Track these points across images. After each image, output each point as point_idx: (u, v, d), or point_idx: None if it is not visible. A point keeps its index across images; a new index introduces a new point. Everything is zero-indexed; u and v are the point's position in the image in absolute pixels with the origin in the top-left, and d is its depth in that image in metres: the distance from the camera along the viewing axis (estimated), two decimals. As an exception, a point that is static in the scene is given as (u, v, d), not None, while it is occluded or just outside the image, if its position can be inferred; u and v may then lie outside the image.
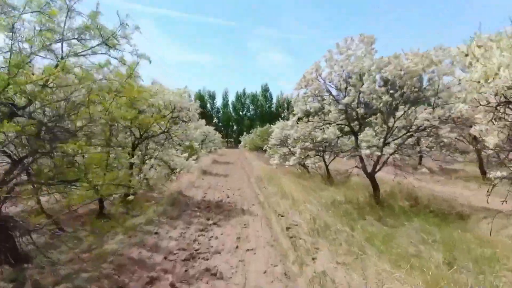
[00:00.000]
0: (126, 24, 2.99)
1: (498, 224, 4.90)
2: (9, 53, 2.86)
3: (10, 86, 2.60)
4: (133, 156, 6.38)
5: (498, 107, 3.28)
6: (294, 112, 6.49)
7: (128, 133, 6.99)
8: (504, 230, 4.70)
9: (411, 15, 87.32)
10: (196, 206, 6.99)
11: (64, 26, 3.17)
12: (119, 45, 3.39)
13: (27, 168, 3.58)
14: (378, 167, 6.31)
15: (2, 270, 3.04)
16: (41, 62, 3.51)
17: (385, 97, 5.56)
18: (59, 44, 3.38)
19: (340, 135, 6.69)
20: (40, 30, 3.11)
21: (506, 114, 3.31)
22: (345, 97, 6.35)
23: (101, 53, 3.28)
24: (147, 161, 6.47)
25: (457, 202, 6.79)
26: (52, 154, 2.81)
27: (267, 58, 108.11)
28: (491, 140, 3.47)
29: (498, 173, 3.73)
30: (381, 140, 6.05)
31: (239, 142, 41.24)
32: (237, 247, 4.36)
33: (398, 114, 6.16)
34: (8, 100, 2.98)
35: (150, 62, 3.12)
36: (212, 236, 4.81)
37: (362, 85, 6.04)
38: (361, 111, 6.15)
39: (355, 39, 6.37)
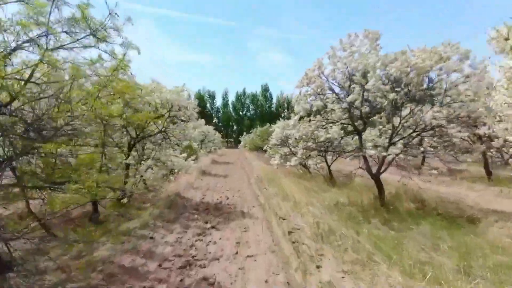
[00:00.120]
0: (115, 14, 2.75)
1: (511, 228, 4.67)
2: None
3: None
4: (128, 156, 6.14)
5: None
6: (296, 111, 6.25)
7: (125, 132, 6.76)
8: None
9: (411, 15, 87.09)
10: (194, 209, 6.75)
11: (49, 17, 2.93)
12: (110, 37, 3.15)
13: (13, 170, 3.35)
14: (383, 168, 6.07)
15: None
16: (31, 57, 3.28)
17: (391, 95, 5.32)
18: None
19: (343, 134, 6.45)
20: (23, 21, 2.87)
21: None
22: (348, 95, 6.12)
23: (90, 46, 3.04)
24: (143, 162, 6.22)
25: (465, 204, 6.56)
26: (35, 155, 2.57)
27: (267, 58, 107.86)
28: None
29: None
30: (387, 140, 5.81)
31: (239, 142, 41.00)
32: (236, 253, 4.12)
33: (404, 113, 5.93)
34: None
35: (139, 53, 2.88)
36: (210, 241, 4.57)
37: (367, 82, 5.81)
38: (366, 109, 5.91)
39: (359, 35, 6.12)
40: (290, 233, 4.80)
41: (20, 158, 2.84)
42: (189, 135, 9.11)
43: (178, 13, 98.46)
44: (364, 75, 6.00)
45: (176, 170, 7.92)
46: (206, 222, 5.60)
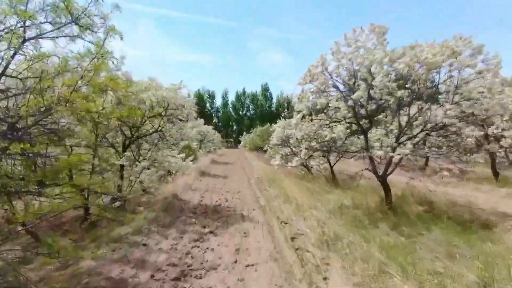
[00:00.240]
0: (100, -2, 2.45)
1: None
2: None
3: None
4: (122, 157, 5.84)
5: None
6: (298, 109, 5.94)
7: (119, 131, 6.46)
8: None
9: (411, 15, 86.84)
10: (191, 212, 6.44)
11: (26, 3, 2.63)
12: (96, 26, 2.84)
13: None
14: (390, 169, 5.78)
15: None
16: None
17: (399, 92, 5.01)
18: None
19: (348, 134, 6.15)
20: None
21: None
22: (353, 92, 5.81)
23: (73, 36, 2.73)
24: (137, 163, 5.92)
25: (476, 206, 6.26)
26: (9, 156, 2.28)
27: (267, 58, 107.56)
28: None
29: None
30: (394, 140, 5.51)
31: (239, 142, 40.70)
32: (235, 261, 3.83)
33: (412, 111, 5.63)
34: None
35: (121, 38, 2.58)
36: (207, 248, 4.28)
37: (373, 79, 5.51)
38: (372, 107, 5.61)
39: (365, 29, 5.81)
40: (293, 239, 4.50)
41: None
42: (187, 134, 8.79)
43: (178, 13, 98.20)
44: (370, 72, 5.70)
45: (173, 171, 7.63)
46: (204, 227, 5.30)
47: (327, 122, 6.19)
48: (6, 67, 2.57)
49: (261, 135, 24.11)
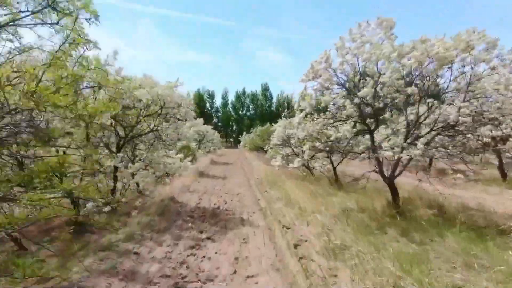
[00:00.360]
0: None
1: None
2: None
3: None
4: (115, 158, 5.53)
5: None
6: (301, 108, 5.63)
7: (113, 131, 6.16)
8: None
9: (411, 15, 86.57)
10: (188, 215, 6.14)
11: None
12: (79, 13, 2.53)
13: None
14: (398, 170, 5.47)
15: None
16: None
17: (410, 89, 4.71)
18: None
19: (354, 133, 5.83)
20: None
21: None
22: (358, 90, 5.51)
23: (52, 23, 2.43)
24: (130, 165, 5.62)
25: (488, 210, 5.95)
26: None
27: (267, 58, 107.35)
28: None
29: None
30: (402, 139, 5.21)
31: (239, 142, 40.39)
32: (234, 272, 3.52)
33: (421, 109, 5.33)
34: None
35: (96, 19, 2.27)
36: (204, 256, 3.97)
37: (380, 75, 5.21)
38: (380, 105, 5.31)
39: (371, 23, 5.50)
40: (296, 246, 4.19)
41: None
42: (184, 134, 8.49)
43: (178, 13, 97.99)
44: (377, 68, 5.40)
45: (170, 172, 7.32)
46: (201, 232, 5.00)
47: (331, 121, 5.88)
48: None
49: (261, 135, 23.82)
